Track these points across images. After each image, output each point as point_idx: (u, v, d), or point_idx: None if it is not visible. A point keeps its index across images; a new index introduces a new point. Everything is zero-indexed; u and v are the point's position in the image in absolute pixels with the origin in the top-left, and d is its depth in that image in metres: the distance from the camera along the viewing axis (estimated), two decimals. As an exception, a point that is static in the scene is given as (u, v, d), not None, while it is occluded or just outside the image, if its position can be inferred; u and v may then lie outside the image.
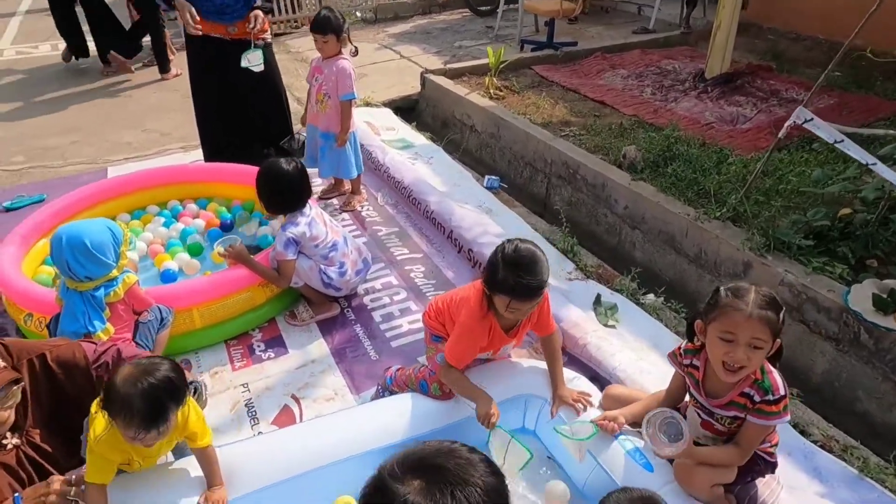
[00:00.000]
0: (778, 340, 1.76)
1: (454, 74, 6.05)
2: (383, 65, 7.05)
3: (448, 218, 3.67)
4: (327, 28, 3.65)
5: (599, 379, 2.59)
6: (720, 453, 1.86)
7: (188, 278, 3.16)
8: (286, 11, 8.48)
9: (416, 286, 3.33)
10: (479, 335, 2.11)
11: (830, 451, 2.31)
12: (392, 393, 2.44)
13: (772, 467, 1.94)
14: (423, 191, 3.99)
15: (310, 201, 3.00)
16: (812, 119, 2.97)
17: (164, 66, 6.68)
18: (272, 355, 2.86)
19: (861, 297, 2.72)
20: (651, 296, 3.19)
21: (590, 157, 4.21)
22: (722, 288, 1.76)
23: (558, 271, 3.35)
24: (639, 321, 2.94)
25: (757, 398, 1.78)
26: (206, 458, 1.92)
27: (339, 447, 2.07)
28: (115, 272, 2.43)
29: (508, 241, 1.97)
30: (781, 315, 1.71)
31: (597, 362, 2.63)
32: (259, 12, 3.82)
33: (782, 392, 1.77)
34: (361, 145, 4.67)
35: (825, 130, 2.94)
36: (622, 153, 4.14)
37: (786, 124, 3.09)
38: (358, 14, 9.04)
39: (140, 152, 4.96)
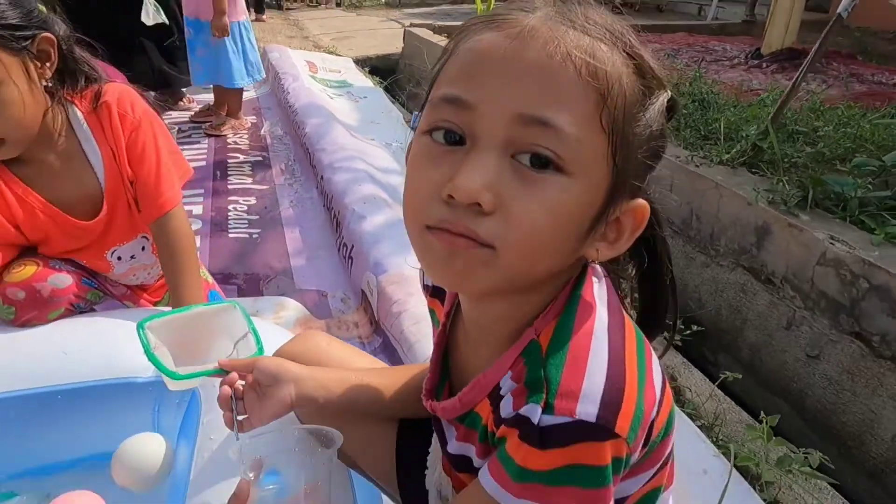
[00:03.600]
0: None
1: (442, 32, 4.93)
2: (378, 31, 6.04)
3: (316, 140, 2.47)
4: None
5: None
6: None
7: None
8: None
9: (220, 220, 2.13)
10: None
11: None
12: None
13: None
14: (307, 112, 2.81)
15: None
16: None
17: None
18: None
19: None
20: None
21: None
22: None
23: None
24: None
25: (509, 407, 0.48)
26: None
27: None
28: None
29: None
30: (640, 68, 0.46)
31: (406, 345, 1.32)
32: None
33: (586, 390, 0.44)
34: (276, 73, 3.58)
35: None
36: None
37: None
38: (382, -4, 8.21)
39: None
